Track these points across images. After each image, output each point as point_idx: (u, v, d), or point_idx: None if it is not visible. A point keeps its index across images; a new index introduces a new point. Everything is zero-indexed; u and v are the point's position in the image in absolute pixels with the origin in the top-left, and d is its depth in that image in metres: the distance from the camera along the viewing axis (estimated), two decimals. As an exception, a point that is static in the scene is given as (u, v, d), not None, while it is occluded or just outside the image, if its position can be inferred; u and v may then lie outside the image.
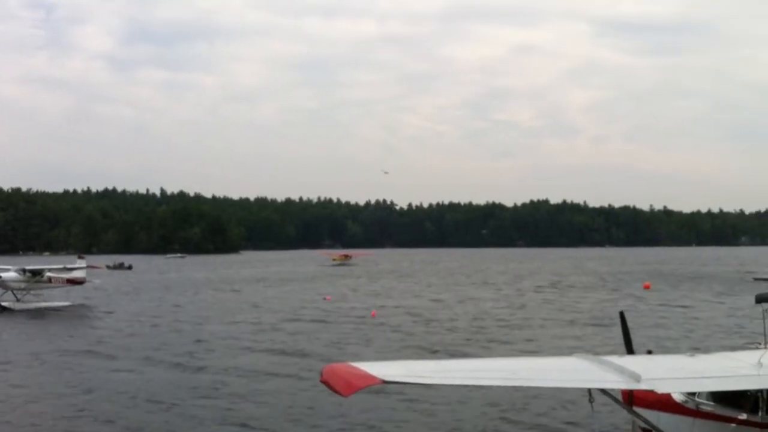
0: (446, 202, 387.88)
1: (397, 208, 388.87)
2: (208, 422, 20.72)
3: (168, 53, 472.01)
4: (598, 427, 16.24)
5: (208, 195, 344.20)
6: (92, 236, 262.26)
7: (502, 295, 66.36)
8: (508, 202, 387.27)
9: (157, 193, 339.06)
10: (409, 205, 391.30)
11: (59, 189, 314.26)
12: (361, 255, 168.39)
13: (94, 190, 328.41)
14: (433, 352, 32.46)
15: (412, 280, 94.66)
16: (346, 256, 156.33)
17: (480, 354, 31.37)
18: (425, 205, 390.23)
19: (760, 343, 14.77)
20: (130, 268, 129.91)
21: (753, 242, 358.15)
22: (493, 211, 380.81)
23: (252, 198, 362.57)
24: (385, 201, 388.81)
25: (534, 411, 20.94)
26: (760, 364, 10.73)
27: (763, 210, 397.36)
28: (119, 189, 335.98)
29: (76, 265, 60.17)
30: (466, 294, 68.18)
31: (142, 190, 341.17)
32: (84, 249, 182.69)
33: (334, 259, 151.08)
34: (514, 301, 60.75)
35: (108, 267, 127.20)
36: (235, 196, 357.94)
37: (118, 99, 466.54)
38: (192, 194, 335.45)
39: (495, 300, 61.81)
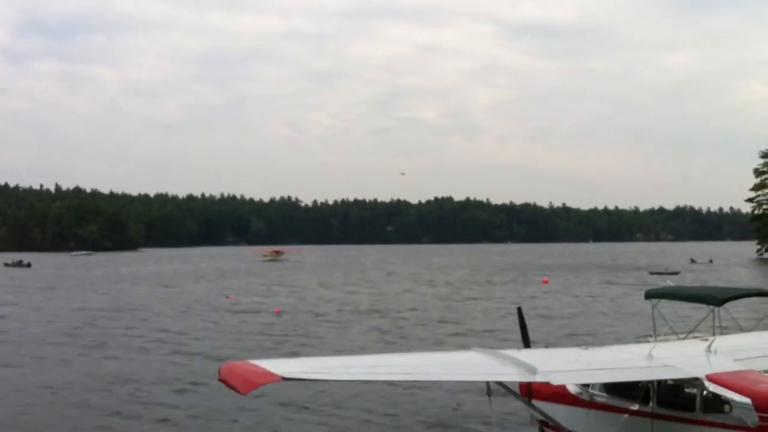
0: (351, 199, 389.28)
1: (302, 204, 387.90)
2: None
3: (64, 45, 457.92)
4: (496, 421, 16.46)
5: (106, 191, 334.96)
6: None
7: (416, 290, 67.41)
8: (413, 200, 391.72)
9: (52, 188, 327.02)
10: (314, 201, 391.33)
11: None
12: (293, 251, 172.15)
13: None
14: (340, 348, 32.35)
15: (336, 274, 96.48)
16: (278, 252, 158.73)
17: (385, 349, 31.41)
18: (330, 202, 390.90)
19: (651, 336, 15.28)
20: (29, 266, 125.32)
21: (647, 238, 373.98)
22: (398, 208, 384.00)
23: (152, 194, 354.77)
24: (290, 197, 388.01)
25: (433, 405, 20.99)
26: (650, 356, 11.08)
27: (656, 208, 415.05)
28: (11, 184, 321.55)
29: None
30: (380, 289, 69.14)
31: (36, 186, 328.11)
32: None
33: (265, 255, 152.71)
34: (425, 293, 62.23)
35: (6, 265, 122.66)
36: (134, 192, 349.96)
37: (10, 91, 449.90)
38: (89, 190, 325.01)
39: (407, 291, 64.09)
